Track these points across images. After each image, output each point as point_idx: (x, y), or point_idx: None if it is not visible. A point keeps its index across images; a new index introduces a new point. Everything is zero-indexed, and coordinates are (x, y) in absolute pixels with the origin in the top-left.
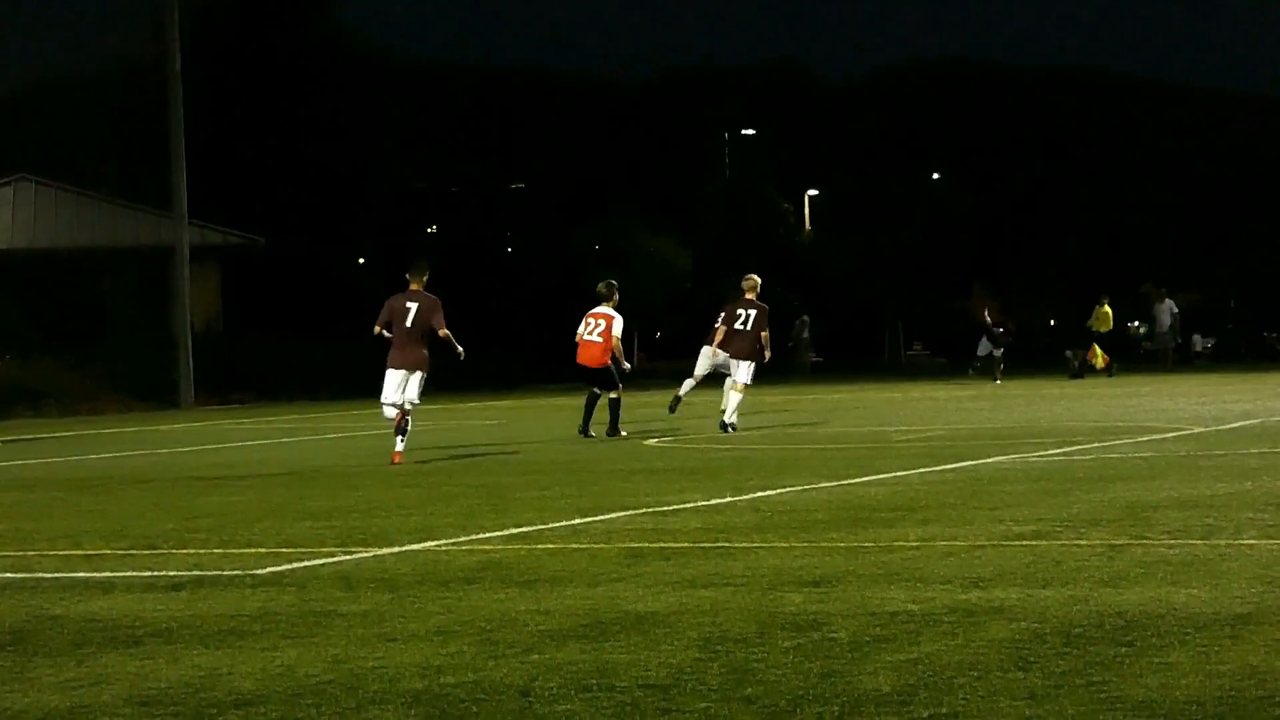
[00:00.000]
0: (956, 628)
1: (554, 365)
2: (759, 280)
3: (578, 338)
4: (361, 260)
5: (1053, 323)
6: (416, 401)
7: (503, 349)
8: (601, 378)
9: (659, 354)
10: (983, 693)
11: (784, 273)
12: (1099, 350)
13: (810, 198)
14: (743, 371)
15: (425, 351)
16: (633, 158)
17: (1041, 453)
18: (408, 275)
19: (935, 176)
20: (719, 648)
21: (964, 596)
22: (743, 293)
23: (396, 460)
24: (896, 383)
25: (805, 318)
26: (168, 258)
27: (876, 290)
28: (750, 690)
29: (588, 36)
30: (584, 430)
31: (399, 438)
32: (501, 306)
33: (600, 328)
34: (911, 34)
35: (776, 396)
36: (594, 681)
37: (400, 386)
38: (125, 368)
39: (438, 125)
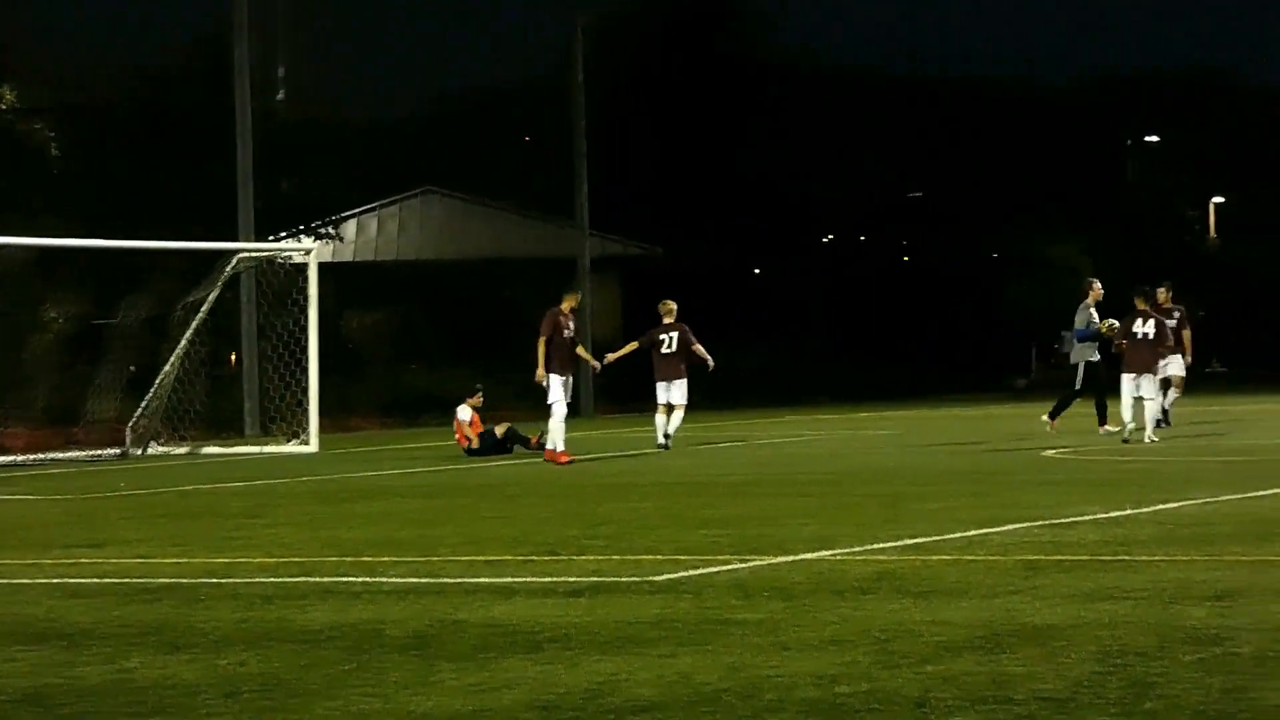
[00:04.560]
0: None
1: (956, 374)
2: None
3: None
4: (757, 270)
5: None
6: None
7: (904, 358)
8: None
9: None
10: None
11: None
12: None
13: (1216, 205)
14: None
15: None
16: (1034, 164)
17: None
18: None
19: None
20: (1118, 661)
21: None
22: None
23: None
24: None
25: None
26: (571, 268)
27: None
28: (1151, 704)
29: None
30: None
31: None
32: (905, 314)
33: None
34: None
35: (1184, 408)
36: (990, 693)
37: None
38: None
39: (841, 132)
